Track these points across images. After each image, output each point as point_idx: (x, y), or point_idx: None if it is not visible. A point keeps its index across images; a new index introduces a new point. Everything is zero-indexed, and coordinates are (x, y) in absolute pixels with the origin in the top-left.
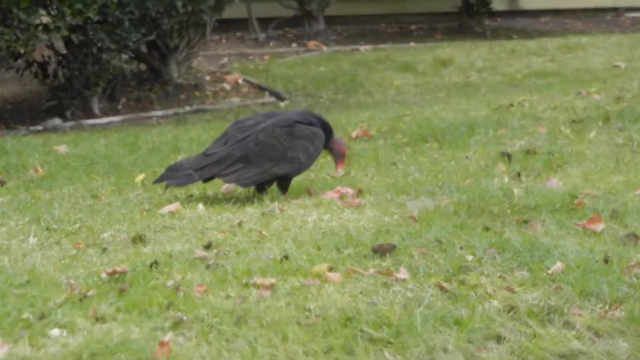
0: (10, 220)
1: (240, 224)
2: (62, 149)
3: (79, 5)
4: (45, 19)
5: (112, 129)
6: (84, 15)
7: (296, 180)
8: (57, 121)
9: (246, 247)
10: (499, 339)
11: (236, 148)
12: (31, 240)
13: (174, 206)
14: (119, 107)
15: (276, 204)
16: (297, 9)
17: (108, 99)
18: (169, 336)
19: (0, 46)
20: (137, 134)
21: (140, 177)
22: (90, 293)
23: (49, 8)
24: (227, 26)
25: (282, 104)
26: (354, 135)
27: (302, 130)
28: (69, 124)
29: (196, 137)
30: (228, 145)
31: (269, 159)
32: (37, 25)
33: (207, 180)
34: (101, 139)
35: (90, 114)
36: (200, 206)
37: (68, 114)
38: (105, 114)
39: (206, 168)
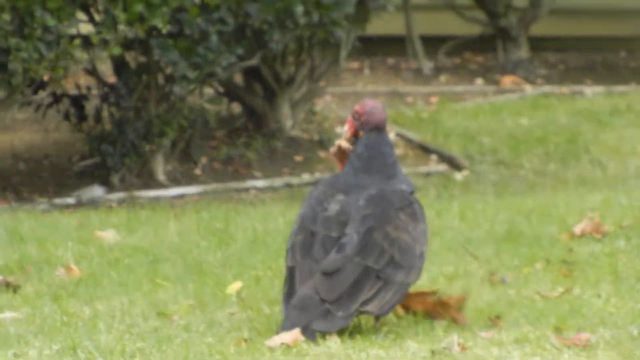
0: (30, 347)
1: None
2: (108, 235)
3: (139, 7)
4: (86, 28)
5: (186, 205)
6: (148, 24)
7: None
8: (98, 191)
9: None
10: None
11: (367, 255)
12: None
13: (289, 335)
14: (197, 171)
15: (455, 337)
16: (485, 24)
17: (180, 157)
18: None
19: (14, 69)
20: (227, 216)
21: (236, 285)
22: None
23: (92, 10)
24: (373, 48)
25: (458, 176)
26: (577, 230)
27: (419, 207)
28: (116, 195)
29: None
30: (351, 252)
31: (406, 265)
32: (72, 38)
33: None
34: (170, 221)
35: (150, 181)
36: (333, 336)
37: (116, 179)
38: (174, 181)
39: (345, 297)
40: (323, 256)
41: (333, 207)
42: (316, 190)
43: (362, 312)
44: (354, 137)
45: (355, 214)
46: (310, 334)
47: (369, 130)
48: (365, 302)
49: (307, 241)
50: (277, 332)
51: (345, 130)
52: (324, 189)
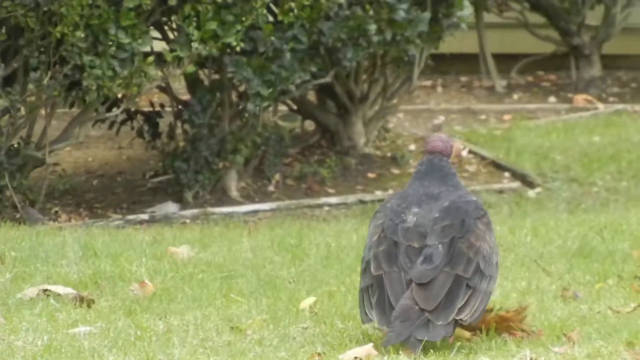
0: None
1: None
2: (182, 251)
3: (213, 26)
4: (159, 46)
5: (259, 221)
6: (221, 42)
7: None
8: (171, 207)
9: None
10: None
11: (455, 265)
12: None
13: (363, 349)
14: (271, 188)
15: (527, 352)
16: (557, 42)
17: (254, 174)
18: None
19: (88, 86)
20: (301, 232)
21: (309, 300)
22: None
23: (166, 28)
24: (446, 66)
25: (531, 193)
26: None
27: (489, 215)
28: (190, 212)
29: None
30: (440, 263)
31: (488, 274)
32: (146, 55)
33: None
34: (244, 237)
35: (224, 198)
36: (406, 351)
37: (189, 196)
38: (248, 198)
39: (442, 307)
40: (409, 266)
41: (410, 219)
42: (389, 203)
43: (460, 318)
44: None
45: (433, 225)
46: (414, 344)
47: (426, 154)
48: (459, 311)
49: (392, 251)
50: (383, 343)
51: None
52: (398, 201)
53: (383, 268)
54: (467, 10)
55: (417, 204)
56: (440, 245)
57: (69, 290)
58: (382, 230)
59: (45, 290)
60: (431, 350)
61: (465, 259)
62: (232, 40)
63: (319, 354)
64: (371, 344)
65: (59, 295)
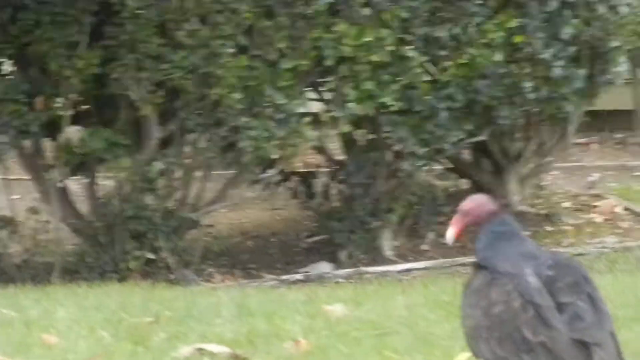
0: None
1: None
2: (336, 309)
3: (369, 86)
4: (315, 106)
5: (413, 280)
6: (377, 101)
7: None
8: (325, 267)
9: None
10: None
11: (604, 322)
12: None
13: None
14: (424, 246)
15: None
16: None
17: (408, 233)
18: None
19: (244, 148)
20: (455, 289)
21: (463, 357)
22: None
23: (321, 88)
24: (599, 122)
25: None
26: None
27: None
28: (344, 271)
29: None
30: (592, 321)
31: None
32: (302, 116)
33: None
34: (398, 295)
35: (377, 257)
36: None
37: (343, 255)
38: (402, 257)
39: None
40: (560, 326)
41: (532, 280)
42: (501, 268)
43: None
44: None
45: (553, 283)
46: None
47: (492, 215)
48: None
49: (542, 314)
50: None
51: (452, 234)
52: (507, 264)
53: (543, 333)
54: (624, 67)
55: (523, 264)
56: (579, 302)
57: (223, 349)
58: (520, 295)
59: (199, 349)
60: None
61: (607, 314)
62: (388, 99)
63: None
64: None
65: (213, 354)
